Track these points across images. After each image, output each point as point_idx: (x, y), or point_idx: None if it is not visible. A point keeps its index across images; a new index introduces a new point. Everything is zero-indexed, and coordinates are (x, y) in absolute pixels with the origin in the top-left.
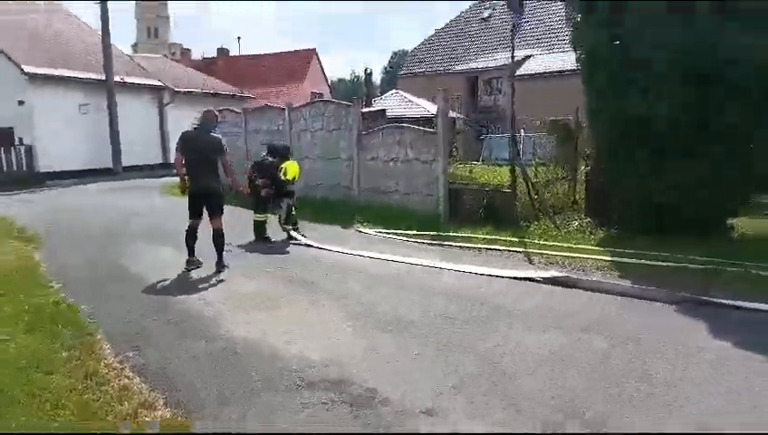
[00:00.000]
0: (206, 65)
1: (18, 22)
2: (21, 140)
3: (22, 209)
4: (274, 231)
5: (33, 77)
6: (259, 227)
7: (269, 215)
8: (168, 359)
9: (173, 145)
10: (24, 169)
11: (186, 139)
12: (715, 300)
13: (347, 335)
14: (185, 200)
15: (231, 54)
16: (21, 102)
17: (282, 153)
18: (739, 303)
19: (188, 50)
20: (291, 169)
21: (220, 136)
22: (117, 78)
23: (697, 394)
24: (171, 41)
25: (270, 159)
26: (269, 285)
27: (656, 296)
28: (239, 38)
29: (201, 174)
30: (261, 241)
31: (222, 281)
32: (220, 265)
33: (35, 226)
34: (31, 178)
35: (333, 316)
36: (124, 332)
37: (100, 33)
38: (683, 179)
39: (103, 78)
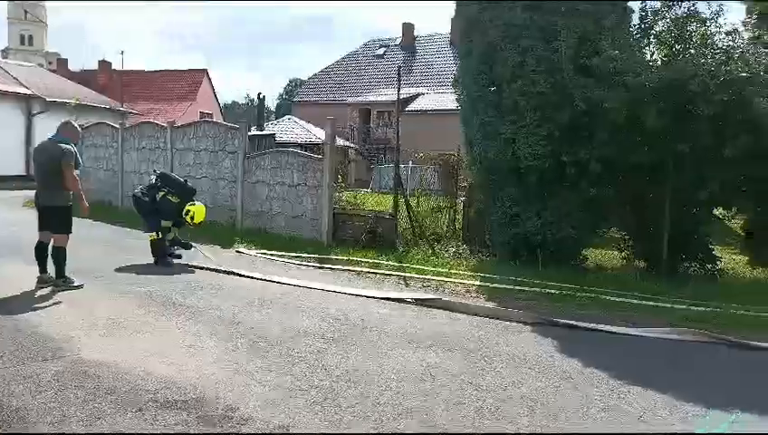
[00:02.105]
0: (86, 78)
1: None
2: None
3: None
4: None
5: None
6: (155, 246)
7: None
8: (11, 380)
9: None
10: None
11: (34, 150)
12: (564, 321)
13: (209, 355)
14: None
15: (115, 69)
16: None
17: (187, 196)
18: (586, 324)
19: (65, 60)
20: (199, 214)
21: (67, 146)
22: None
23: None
24: (47, 49)
25: (170, 198)
26: (131, 303)
27: (514, 317)
28: (122, 52)
29: (41, 186)
30: (162, 261)
31: (61, 300)
32: (58, 283)
33: None
34: None
35: (196, 335)
36: None
37: None
38: (544, 215)
39: None
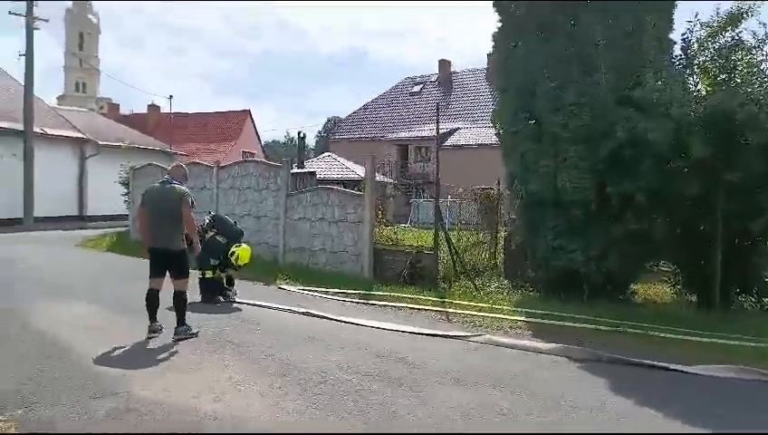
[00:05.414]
0: (136, 121)
1: None
2: None
3: None
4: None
5: None
6: (203, 283)
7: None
8: (65, 416)
9: (92, 197)
10: None
11: (146, 192)
12: (612, 356)
13: (255, 392)
14: (99, 254)
15: (163, 111)
16: None
17: (235, 237)
18: (637, 359)
19: (117, 104)
20: (244, 255)
21: (184, 188)
22: (37, 129)
23: None
24: (99, 95)
25: (219, 238)
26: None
27: (563, 353)
28: (171, 96)
29: (160, 229)
30: (208, 298)
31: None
32: (180, 332)
33: None
34: None
35: (245, 373)
36: (18, 388)
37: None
38: (588, 248)
39: (22, 128)
